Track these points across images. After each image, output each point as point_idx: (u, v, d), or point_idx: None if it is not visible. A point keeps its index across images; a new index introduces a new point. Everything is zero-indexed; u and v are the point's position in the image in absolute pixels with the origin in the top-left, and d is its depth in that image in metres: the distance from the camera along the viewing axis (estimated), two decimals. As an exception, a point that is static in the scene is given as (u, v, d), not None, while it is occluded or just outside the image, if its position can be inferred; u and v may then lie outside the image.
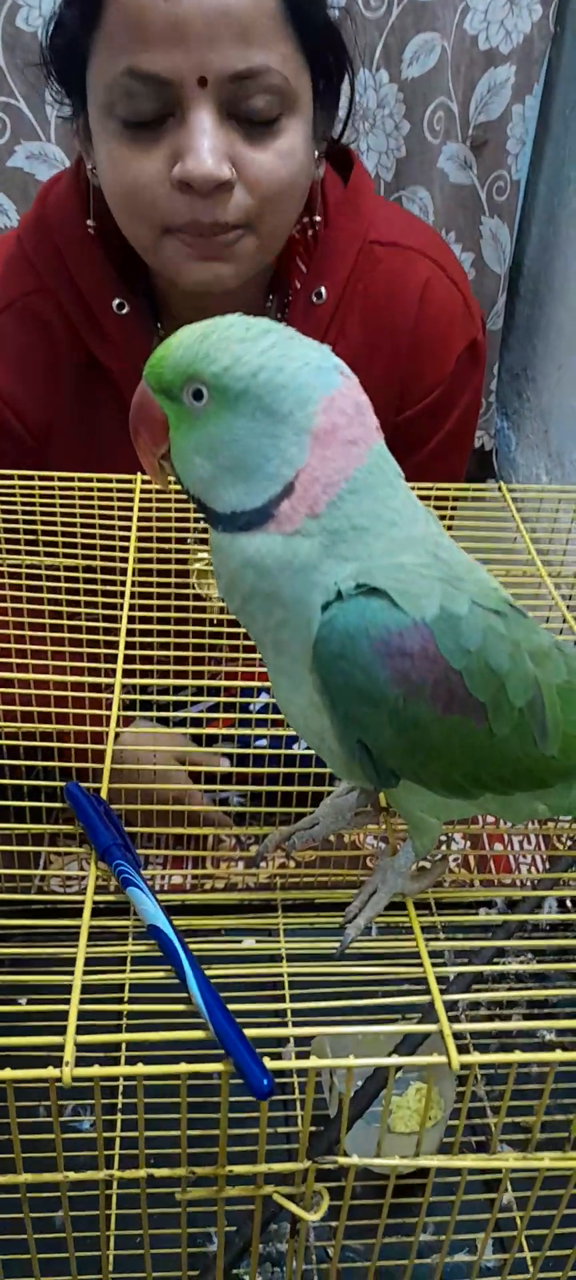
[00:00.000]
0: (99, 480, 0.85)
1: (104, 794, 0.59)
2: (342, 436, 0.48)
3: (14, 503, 0.86)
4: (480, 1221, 0.71)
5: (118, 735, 0.64)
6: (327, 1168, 0.48)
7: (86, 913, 0.52)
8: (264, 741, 0.92)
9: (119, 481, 0.85)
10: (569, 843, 1.03)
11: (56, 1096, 0.45)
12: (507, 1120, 0.78)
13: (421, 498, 0.55)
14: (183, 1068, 0.44)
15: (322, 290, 0.97)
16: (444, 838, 0.94)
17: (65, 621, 0.88)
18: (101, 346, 0.97)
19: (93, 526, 0.86)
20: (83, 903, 0.52)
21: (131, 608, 0.76)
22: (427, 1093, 0.47)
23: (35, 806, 0.81)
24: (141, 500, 0.84)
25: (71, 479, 0.86)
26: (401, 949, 0.71)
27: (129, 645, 0.75)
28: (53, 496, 0.86)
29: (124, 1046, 0.72)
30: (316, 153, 0.92)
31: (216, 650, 0.92)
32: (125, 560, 0.77)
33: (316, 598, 0.48)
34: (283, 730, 0.82)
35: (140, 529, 0.81)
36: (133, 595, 0.74)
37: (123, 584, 0.75)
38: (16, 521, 0.86)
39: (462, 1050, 0.47)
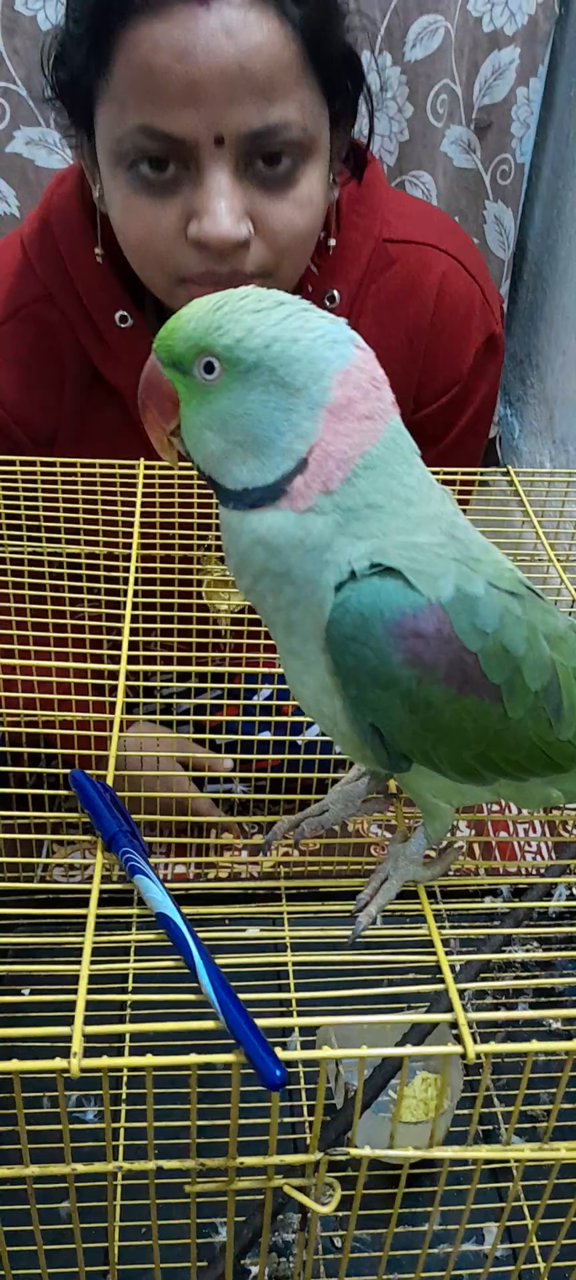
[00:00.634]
0: (101, 466, 0.84)
1: (110, 781, 0.58)
2: (358, 411, 0.47)
3: (15, 490, 0.85)
4: (486, 1210, 0.71)
5: (120, 731, 0.63)
6: (337, 1159, 0.48)
7: (93, 901, 0.51)
8: (268, 732, 0.91)
9: (121, 468, 0.84)
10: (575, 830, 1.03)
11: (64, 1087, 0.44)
12: (512, 1110, 0.78)
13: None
14: (193, 1059, 0.43)
15: (335, 293, 0.96)
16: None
17: (68, 609, 0.87)
18: (104, 358, 0.95)
19: (95, 514, 0.85)
20: (85, 892, 0.51)
21: (135, 594, 0.76)
22: (442, 1082, 0.47)
23: (38, 795, 0.80)
24: (145, 487, 0.83)
25: (74, 464, 0.85)
26: (408, 937, 0.71)
27: (132, 632, 0.74)
28: (55, 483, 0.85)
29: (128, 1037, 0.71)
30: (332, 176, 0.90)
31: (220, 638, 0.91)
32: (128, 548, 0.76)
33: (329, 577, 0.47)
34: (286, 718, 0.81)
35: (143, 516, 0.80)
36: (136, 583, 0.73)
37: (126, 571, 0.74)
38: (18, 509, 0.85)
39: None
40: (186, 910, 0.52)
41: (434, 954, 0.51)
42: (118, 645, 0.69)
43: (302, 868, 0.93)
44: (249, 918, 0.88)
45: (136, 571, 0.73)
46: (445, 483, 0.84)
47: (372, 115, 0.92)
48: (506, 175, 1.60)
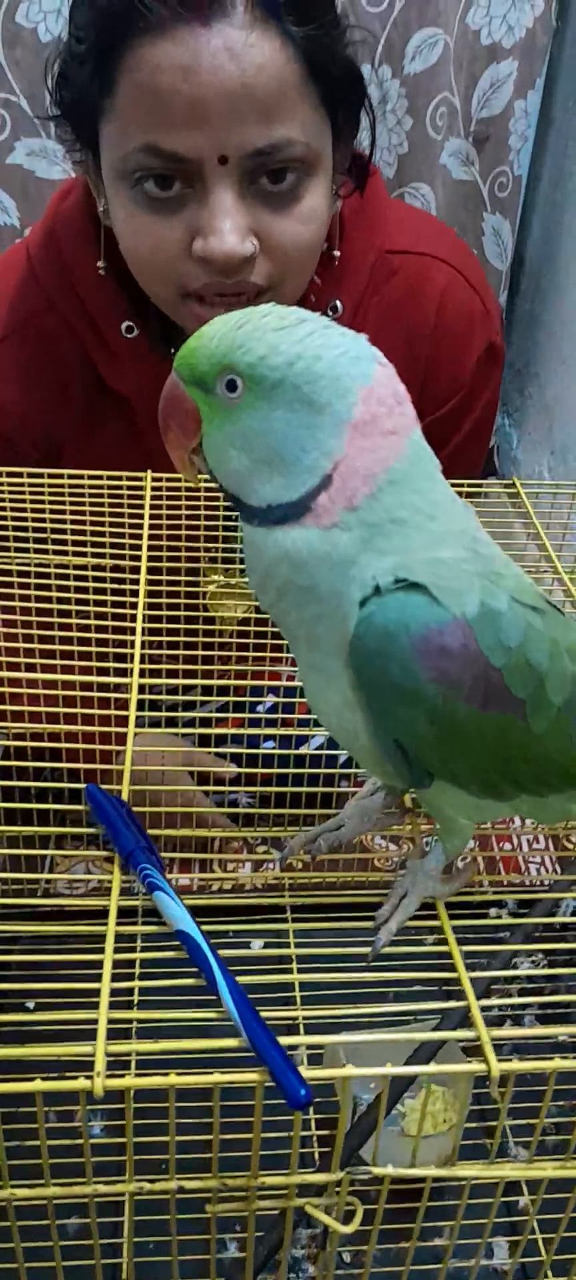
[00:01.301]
0: (109, 478, 0.84)
1: (125, 795, 0.58)
2: (382, 427, 0.47)
3: (23, 502, 0.85)
4: (496, 1225, 0.70)
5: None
6: (359, 1177, 0.47)
7: (111, 919, 0.51)
8: (272, 743, 0.91)
9: (129, 479, 0.84)
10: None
11: (86, 1103, 0.44)
12: (518, 1124, 0.77)
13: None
14: (216, 1078, 0.43)
15: (338, 303, 0.96)
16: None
17: (74, 620, 0.87)
18: (110, 369, 0.95)
19: (103, 525, 0.85)
20: (93, 908, 0.51)
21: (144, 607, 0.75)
22: (463, 1099, 0.46)
23: (43, 809, 0.80)
24: (152, 498, 0.83)
25: (81, 476, 0.84)
26: (418, 952, 0.70)
27: (142, 645, 0.74)
28: (63, 495, 0.85)
29: (134, 1054, 0.70)
30: (335, 188, 0.90)
31: (225, 650, 0.91)
32: (136, 559, 0.76)
33: (354, 592, 0.47)
34: (291, 731, 0.81)
35: (151, 528, 0.80)
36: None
37: (134, 583, 0.74)
38: (26, 520, 0.85)
39: (478, 1056, 0.46)
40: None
41: (441, 970, 0.51)
42: (124, 658, 0.68)
43: (307, 880, 0.93)
44: (253, 931, 0.87)
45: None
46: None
47: (374, 126, 0.93)
48: (504, 187, 1.61)
